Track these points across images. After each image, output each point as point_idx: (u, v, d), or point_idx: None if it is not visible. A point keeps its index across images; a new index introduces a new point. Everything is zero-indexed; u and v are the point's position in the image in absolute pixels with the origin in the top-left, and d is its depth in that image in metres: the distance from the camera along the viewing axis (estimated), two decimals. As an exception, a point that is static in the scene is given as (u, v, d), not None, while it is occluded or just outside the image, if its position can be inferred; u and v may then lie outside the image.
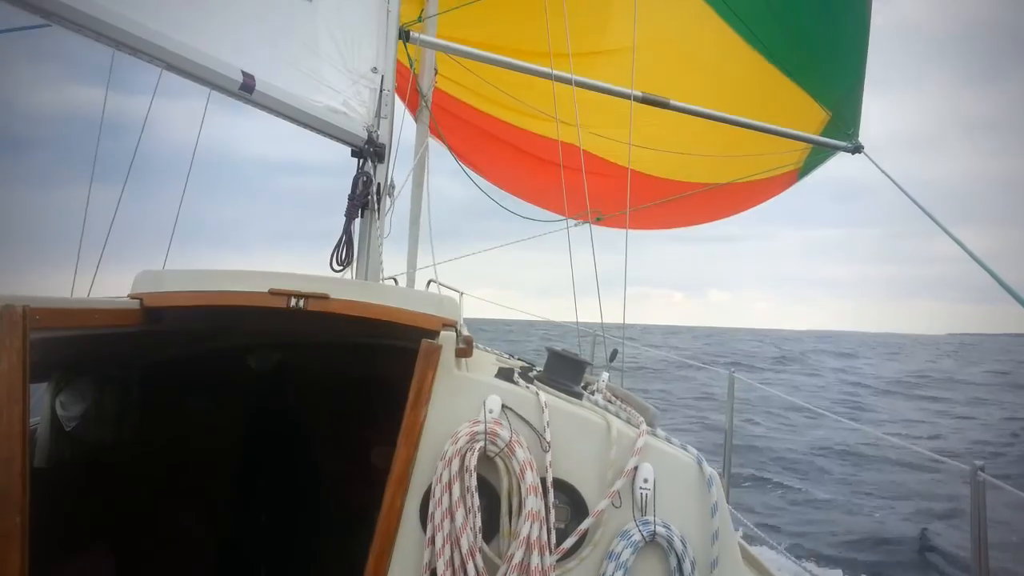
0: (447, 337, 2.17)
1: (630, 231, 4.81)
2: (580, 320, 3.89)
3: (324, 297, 2.29)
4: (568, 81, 4.60)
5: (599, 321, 4.00)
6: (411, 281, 5.76)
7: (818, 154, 7.07)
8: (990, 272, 4.16)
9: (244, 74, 2.88)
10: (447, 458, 2.00)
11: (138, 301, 2.41)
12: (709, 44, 6.73)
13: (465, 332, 2.45)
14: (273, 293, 2.29)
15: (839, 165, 6.86)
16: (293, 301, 2.28)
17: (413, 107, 5.68)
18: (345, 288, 2.37)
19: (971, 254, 4.43)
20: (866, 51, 6.91)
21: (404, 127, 5.12)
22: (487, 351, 4.24)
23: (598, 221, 6.67)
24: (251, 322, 2.80)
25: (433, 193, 4.86)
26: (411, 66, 4.87)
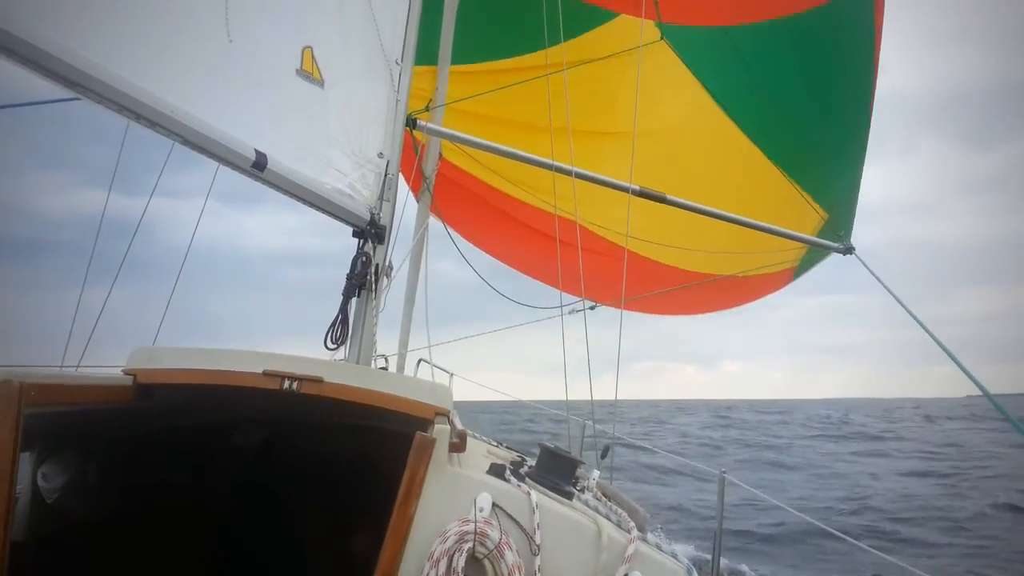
0: (441, 430, 2.16)
1: (626, 311, 4.85)
2: (577, 399, 3.87)
3: (318, 380, 2.29)
4: (568, 172, 4.73)
5: (593, 402, 3.99)
6: (402, 360, 5.76)
7: (814, 254, 7.21)
8: (960, 365, 4.20)
9: (257, 152, 2.96)
10: (434, 558, 1.97)
11: (132, 377, 2.41)
12: (712, 137, 6.90)
13: (458, 422, 2.45)
14: (267, 374, 2.29)
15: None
16: (286, 383, 2.28)
17: (416, 187, 5.81)
18: (339, 372, 2.37)
19: (944, 347, 4.47)
20: (864, 157, 7.13)
21: (406, 206, 5.24)
22: (477, 438, 4.20)
23: (592, 309, 6.73)
24: (242, 400, 2.79)
25: (433, 275, 4.92)
26: (416, 150, 5.01)
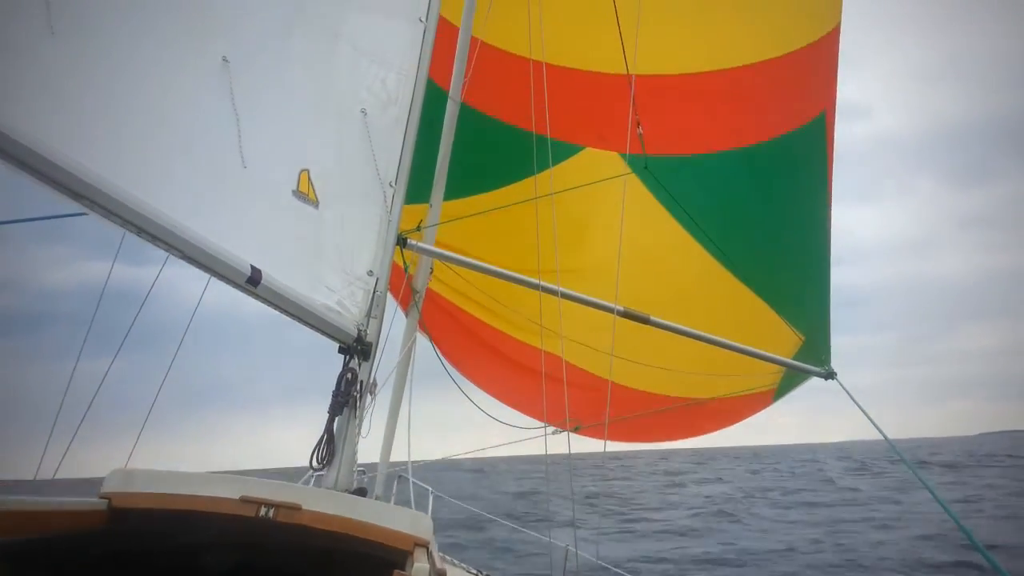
0: (419, 569, 2.10)
1: (609, 442, 4.82)
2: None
3: (295, 508, 2.26)
4: (555, 293, 4.82)
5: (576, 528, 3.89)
6: (382, 474, 5.64)
7: (793, 377, 7.27)
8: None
9: (252, 268, 3.02)
10: None
11: (106, 502, 2.36)
12: (686, 261, 7.10)
13: (437, 557, 2.39)
14: (244, 500, 2.26)
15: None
16: (263, 510, 2.25)
17: (405, 303, 5.86)
18: (317, 499, 2.34)
19: (931, 491, 4.47)
20: (828, 281, 7.35)
21: (394, 321, 5.27)
22: (457, 566, 4.07)
23: (577, 431, 6.68)
24: (218, 524, 2.71)
25: (417, 391, 4.91)
26: (406, 268, 5.10)
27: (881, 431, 5.09)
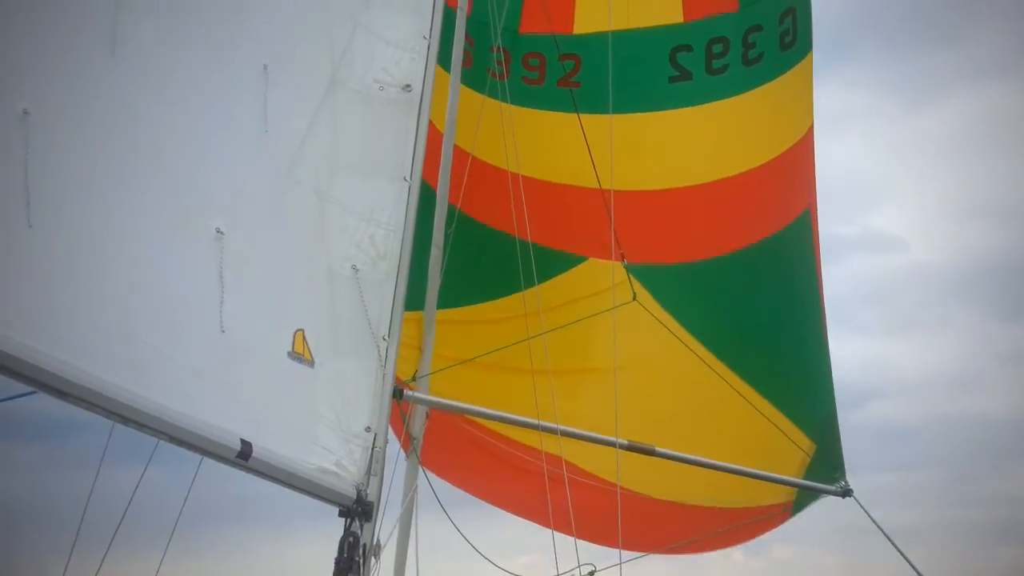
0: None
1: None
2: None
3: None
4: (554, 431, 4.77)
5: None
6: None
7: (807, 496, 7.07)
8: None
9: (243, 442, 2.99)
10: None
11: None
12: (685, 367, 7.01)
13: None
14: None
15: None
16: None
17: (405, 446, 5.77)
18: None
19: None
20: (831, 380, 7.30)
21: (396, 469, 5.18)
22: None
23: (591, 574, 6.42)
24: None
25: (423, 536, 4.78)
26: (404, 419, 5.06)
27: (899, 548, 4.92)
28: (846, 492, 6.24)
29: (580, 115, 6.08)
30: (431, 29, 4.59)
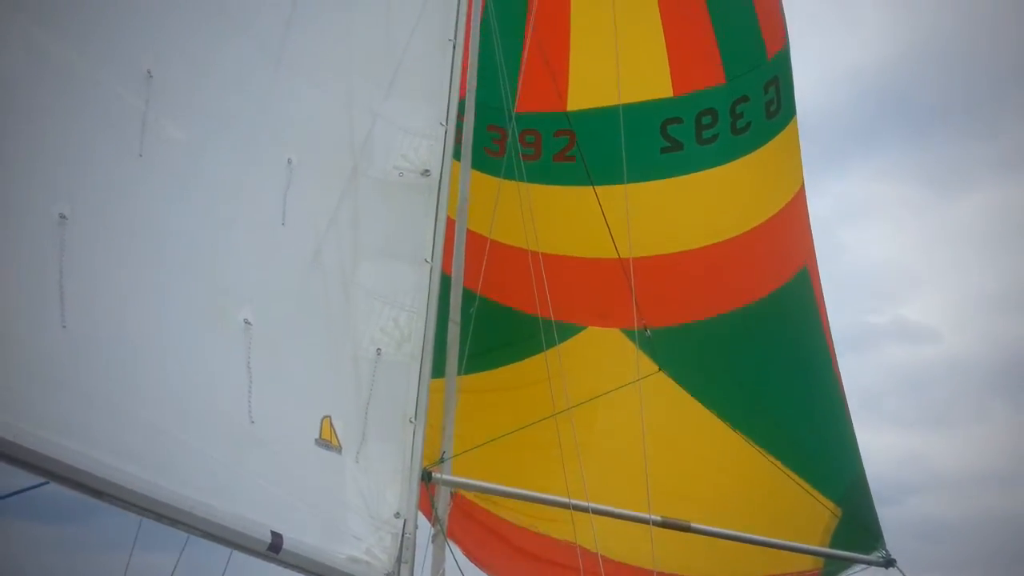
0: None
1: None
2: None
3: None
4: (585, 509, 4.69)
5: None
6: None
7: (837, 565, 6.85)
8: None
9: (273, 534, 2.96)
10: None
11: None
12: (704, 437, 6.99)
13: None
14: None
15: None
16: None
17: (433, 529, 5.68)
18: None
19: None
20: (854, 441, 7.17)
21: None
22: None
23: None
24: None
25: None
26: (432, 502, 4.99)
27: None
28: (889, 562, 6.02)
29: (579, 188, 6.25)
30: (447, 116, 4.73)
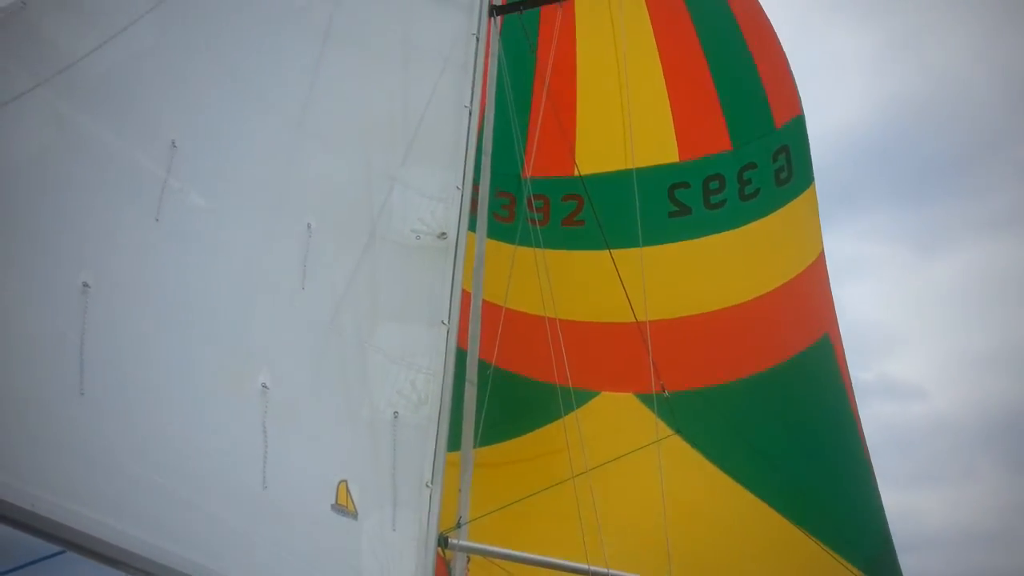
0: None
1: None
2: None
3: None
4: (605, 576, 4.59)
5: None
6: None
7: None
8: None
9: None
10: None
11: None
12: (734, 509, 6.85)
13: None
14: None
15: None
16: None
17: None
18: None
19: None
20: (881, 509, 6.98)
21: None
22: None
23: None
24: None
25: None
26: (448, 568, 4.90)
27: None
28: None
29: (590, 252, 6.28)
30: (463, 180, 4.81)
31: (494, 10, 5.45)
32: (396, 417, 4.22)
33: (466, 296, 5.56)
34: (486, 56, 5.29)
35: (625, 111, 6.81)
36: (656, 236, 7.02)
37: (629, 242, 6.44)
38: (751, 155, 7.05)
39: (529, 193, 6.08)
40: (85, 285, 2.76)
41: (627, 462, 6.49)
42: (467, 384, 5.65)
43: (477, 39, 5.10)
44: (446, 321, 4.47)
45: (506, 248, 6.19)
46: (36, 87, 2.65)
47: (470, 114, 4.89)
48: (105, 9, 3.04)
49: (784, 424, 7.07)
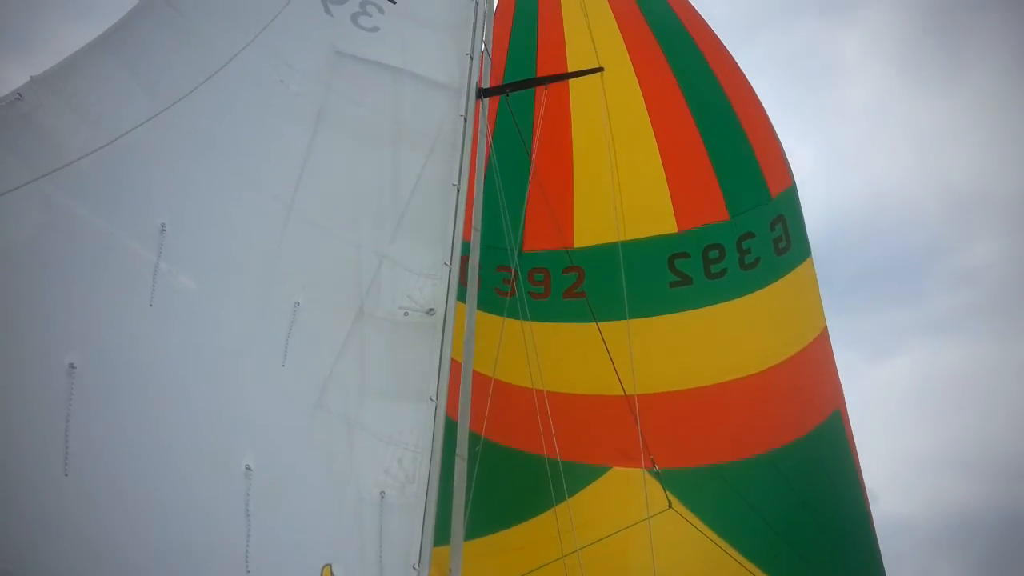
0: None
1: None
2: None
3: None
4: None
5: None
6: None
7: None
8: None
9: None
10: None
11: None
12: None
13: None
14: None
15: None
16: None
17: None
18: None
19: None
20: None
21: None
22: None
23: None
24: None
25: None
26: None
27: None
28: None
29: (589, 324, 6.26)
30: (451, 257, 4.86)
31: (481, 92, 5.59)
32: (383, 497, 4.15)
33: (455, 366, 5.54)
34: (474, 135, 5.41)
35: (615, 183, 6.86)
36: (658, 307, 7.01)
37: (629, 312, 6.41)
38: (749, 224, 7.08)
39: (515, 266, 6.09)
40: (71, 366, 2.76)
41: (624, 538, 6.37)
42: (457, 460, 5.56)
43: (465, 120, 5.23)
44: (434, 397, 4.45)
45: (499, 321, 6.18)
46: (31, 176, 2.71)
47: (458, 192, 4.97)
48: (105, 110, 3.12)
49: (796, 502, 6.93)
